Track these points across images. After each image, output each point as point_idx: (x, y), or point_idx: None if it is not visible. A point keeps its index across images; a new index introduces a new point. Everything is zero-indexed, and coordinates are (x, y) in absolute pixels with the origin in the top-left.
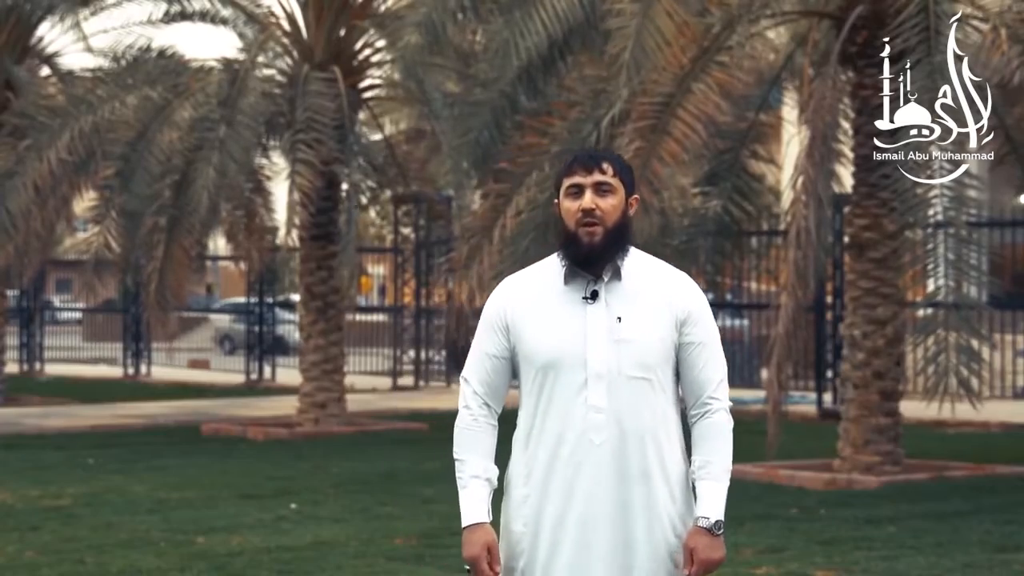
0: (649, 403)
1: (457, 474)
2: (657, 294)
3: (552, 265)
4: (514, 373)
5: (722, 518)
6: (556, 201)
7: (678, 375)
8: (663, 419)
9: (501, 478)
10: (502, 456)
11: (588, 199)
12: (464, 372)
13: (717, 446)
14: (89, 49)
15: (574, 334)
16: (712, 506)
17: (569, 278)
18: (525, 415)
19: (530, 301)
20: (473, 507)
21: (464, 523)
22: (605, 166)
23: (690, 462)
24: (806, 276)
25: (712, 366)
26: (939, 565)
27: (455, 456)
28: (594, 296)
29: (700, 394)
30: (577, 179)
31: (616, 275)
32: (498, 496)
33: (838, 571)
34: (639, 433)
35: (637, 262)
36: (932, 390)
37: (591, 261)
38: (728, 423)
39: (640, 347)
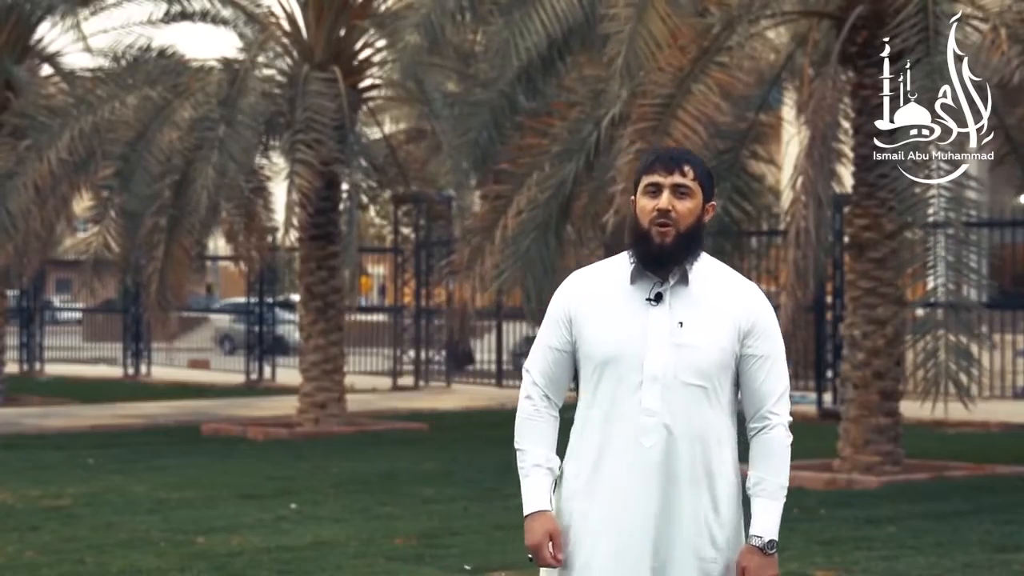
0: (702, 411)
1: (518, 463)
2: (722, 302)
3: (621, 263)
4: (575, 368)
5: (776, 537)
6: (632, 198)
7: (737, 385)
8: (715, 428)
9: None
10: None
11: (665, 199)
12: (527, 363)
13: (773, 463)
14: (88, 49)
15: (634, 334)
16: (766, 525)
17: (636, 277)
18: (581, 410)
19: (595, 297)
20: (535, 495)
21: (526, 511)
22: (686, 169)
23: (740, 474)
24: (806, 276)
25: (773, 380)
26: (939, 565)
27: (516, 446)
28: (658, 298)
29: (759, 407)
30: (656, 178)
31: (683, 279)
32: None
33: (838, 571)
34: (689, 440)
35: (706, 268)
36: (926, 390)
37: (660, 262)
38: (786, 439)
39: (699, 354)
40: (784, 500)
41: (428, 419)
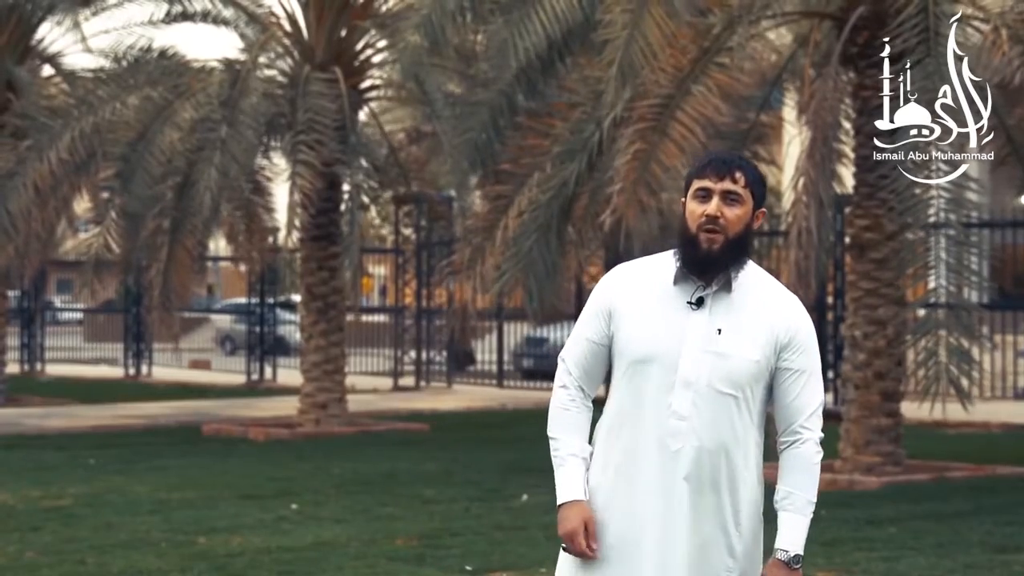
0: (732, 420)
1: (552, 453)
2: (762, 313)
3: (665, 262)
4: (610, 362)
5: (802, 552)
6: (683, 200)
7: (768, 396)
8: (743, 438)
9: None
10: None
11: (715, 205)
12: (563, 352)
13: (803, 478)
14: (88, 49)
15: (671, 336)
16: (792, 539)
17: (679, 279)
18: (611, 406)
19: (636, 294)
20: (570, 484)
21: (561, 500)
22: (738, 175)
23: (762, 486)
24: (807, 277)
25: (808, 395)
26: (940, 566)
27: (550, 435)
28: (699, 303)
29: (792, 422)
30: (707, 183)
31: (726, 286)
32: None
33: (838, 571)
34: (715, 447)
35: (751, 277)
36: (925, 390)
37: (705, 267)
38: (817, 455)
39: (734, 363)
40: (811, 516)
41: (429, 420)
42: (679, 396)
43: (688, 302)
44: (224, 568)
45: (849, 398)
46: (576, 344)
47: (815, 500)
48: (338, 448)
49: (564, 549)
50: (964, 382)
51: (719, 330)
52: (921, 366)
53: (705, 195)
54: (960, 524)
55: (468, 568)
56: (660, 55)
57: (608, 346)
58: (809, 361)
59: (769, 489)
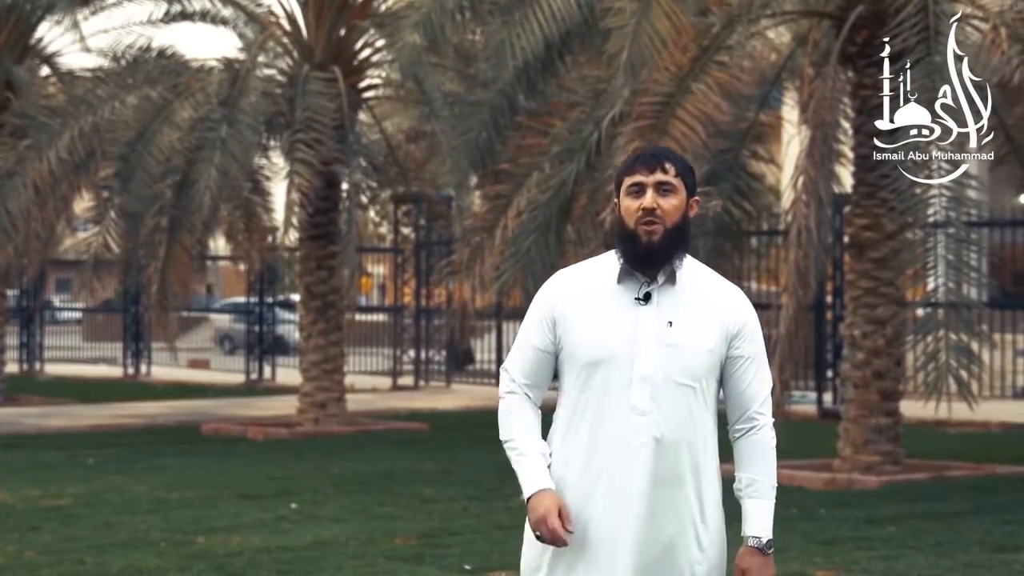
0: (691, 412)
1: (510, 453)
2: (710, 304)
3: (607, 263)
4: (556, 369)
5: (771, 536)
6: (616, 200)
7: (719, 387)
8: (702, 429)
9: None
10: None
11: (649, 198)
12: (506, 363)
13: (764, 464)
14: (87, 49)
15: (623, 334)
16: (762, 525)
17: (623, 277)
18: (563, 413)
19: (580, 297)
20: (534, 476)
21: (529, 492)
22: (668, 166)
23: (721, 476)
24: (807, 276)
25: (759, 381)
26: (939, 565)
27: (504, 439)
28: (647, 298)
29: (746, 409)
30: (639, 178)
31: (671, 279)
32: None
33: (838, 571)
34: (677, 440)
35: (693, 269)
36: (929, 390)
37: (648, 260)
38: (773, 440)
39: (689, 354)
40: (774, 500)
41: (428, 419)
42: (637, 391)
43: (636, 298)
44: (223, 567)
45: (848, 397)
46: (520, 352)
47: (776, 484)
48: (337, 447)
49: (538, 538)
50: (967, 378)
51: (670, 323)
52: (924, 366)
53: (638, 190)
54: (959, 523)
55: (467, 567)
56: (667, 48)
57: (553, 352)
58: (758, 348)
59: (727, 479)
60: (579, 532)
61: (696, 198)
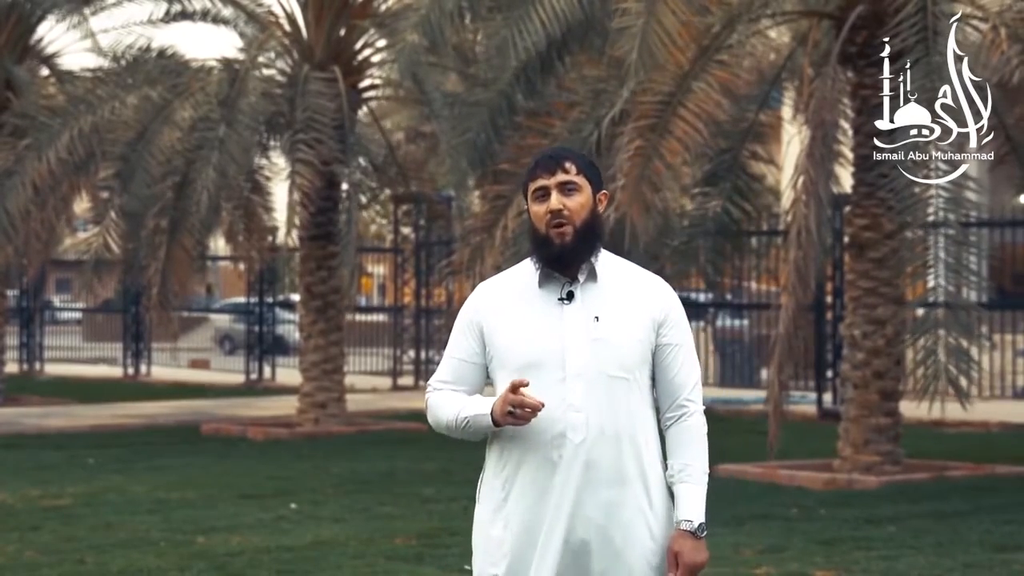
0: (628, 403)
1: (453, 419)
2: (634, 295)
3: (526, 268)
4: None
5: (704, 520)
6: (525, 207)
7: (652, 378)
8: (641, 420)
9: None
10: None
11: (555, 200)
12: (432, 378)
13: (695, 450)
14: (98, 46)
15: (551, 335)
16: (694, 509)
17: (544, 280)
18: None
19: (504, 305)
20: (480, 402)
21: (487, 412)
22: (568, 165)
23: (665, 465)
24: (806, 276)
25: (688, 368)
26: (939, 565)
27: (440, 420)
28: (570, 296)
29: (676, 396)
30: (541, 182)
31: (592, 275)
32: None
33: (838, 571)
34: (617, 433)
35: (611, 264)
36: (923, 390)
37: (564, 261)
38: (704, 426)
39: (619, 346)
40: (707, 485)
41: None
42: (572, 388)
43: (559, 298)
44: (223, 567)
45: (848, 397)
46: (447, 366)
47: (708, 470)
48: (337, 447)
49: (512, 415)
50: (963, 381)
51: (596, 317)
52: (920, 365)
53: (543, 194)
54: (959, 523)
55: (467, 567)
56: (675, 44)
57: (481, 363)
58: (684, 335)
59: None
60: (529, 535)
61: (604, 192)
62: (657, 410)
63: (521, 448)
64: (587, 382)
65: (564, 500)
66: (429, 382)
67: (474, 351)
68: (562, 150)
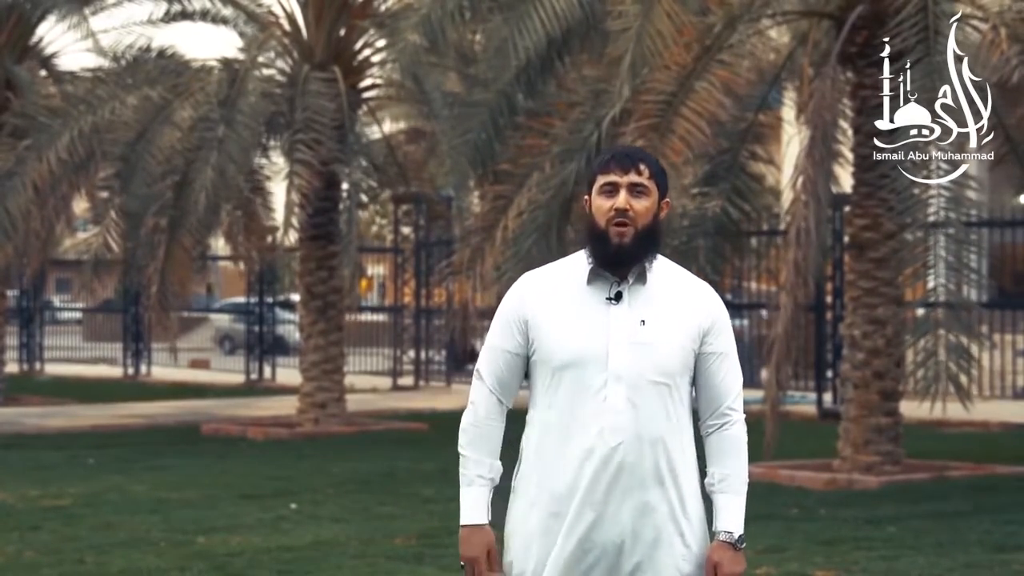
0: (667, 409)
1: (461, 470)
2: (681, 301)
3: (576, 263)
4: (526, 372)
5: (743, 532)
6: (587, 197)
7: (692, 384)
8: (678, 427)
9: (506, 475)
10: (508, 454)
11: (623, 199)
12: (478, 364)
13: (737, 460)
14: (99, 46)
15: (596, 335)
16: (734, 520)
17: (593, 278)
18: (537, 415)
19: (550, 299)
20: (475, 507)
21: (464, 521)
22: (642, 167)
23: (702, 472)
24: (805, 276)
25: (732, 377)
26: (939, 565)
27: (460, 451)
28: (618, 297)
29: (719, 404)
30: (613, 177)
31: (641, 278)
32: (507, 497)
33: (838, 571)
34: (654, 438)
35: (662, 268)
36: (924, 390)
37: (619, 261)
38: (745, 435)
39: (662, 352)
40: (746, 495)
41: (428, 419)
42: (613, 391)
43: (607, 298)
44: (223, 567)
45: (848, 397)
46: (491, 355)
47: (747, 480)
48: (337, 447)
49: (461, 567)
50: (964, 380)
51: (642, 321)
52: (920, 365)
53: (612, 189)
54: (959, 523)
55: (462, 565)
56: (671, 46)
57: (524, 356)
58: (729, 344)
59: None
60: (562, 534)
61: (667, 200)
62: (695, 416)
63: (558, 447)
64: (628, 385)
65: (597, 501)
66: (476, 368)
67: (518, 342)
68: (638, 151)
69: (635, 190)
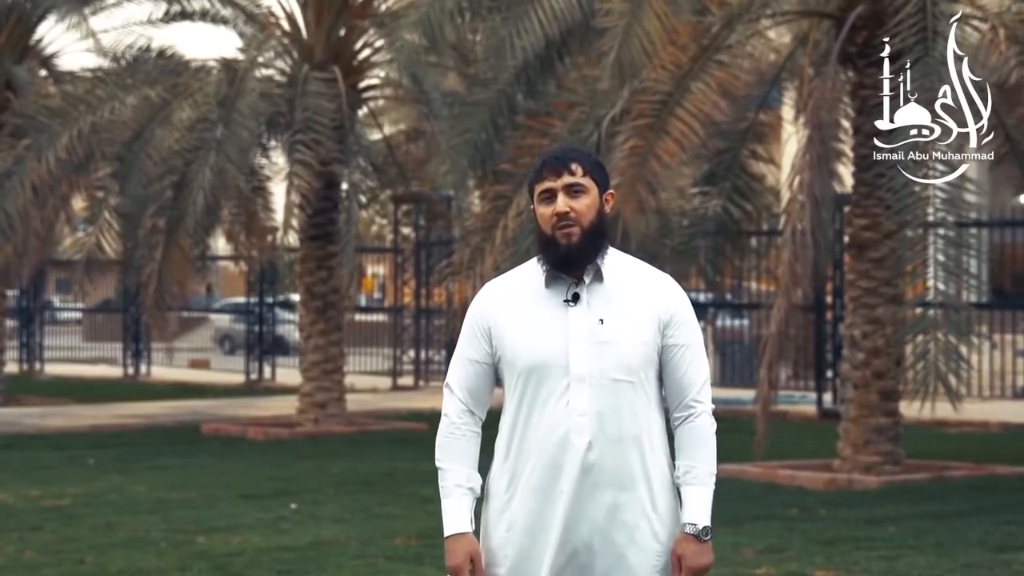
0: (632, 406)
1: (440, 483)
2: (640, 295)
3: (533, 269)
4: (498, 379)
5: (709, 524)
6: (532, 208)
7: (660, 379)
8: (646, 423)
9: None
10: (485, 463)
11: (561, 202)
12: (447, 378)
13: (703, 452)
14: (99, 46)
15: (556, 337)
16: (699, 512)
17: (550, 281)
18: (507, 420)
19: (511, 305)
20: (456, 516)
21: (447, 532)
22: (574, 167)
23: (674, 466)
24: (800, 276)
25: (696, 368)
26: (939, 565)
27: (437, 465)
28: (575, 298)
29: (684, 396)
30: (548, 184)
31: (597, 277)
32: (479, 502)
33: (838, 571)
34: (621, 437)
35: (618, 263)
36: (916, 389)
37: (570, 262)
38: (712, 426)
39: (623, 349)
40: (713, 487)
41: (428, 419)
42: (576, 392)
43: (564, 300)
44: (223, 567)
45: (848, 397)
46: (459, 367)
47: (715, 472)
48: (337, 447)
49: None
50: (953, 381)
51: (601, 320)
52: (913, 365)
53: (549, 196)
54: (959, 523)
55: None
56: (660, 49)
57: (492, 364)
58: (692, 335)
59: None
60: (532, 537)
61: (611, 191)
62: (666, 410)
63: (526, 450)
64: (591, 386)
65: (567, 502)
66: (447, 382)
67: (485, 351)
68: (568, 151)
69: (572, 191)
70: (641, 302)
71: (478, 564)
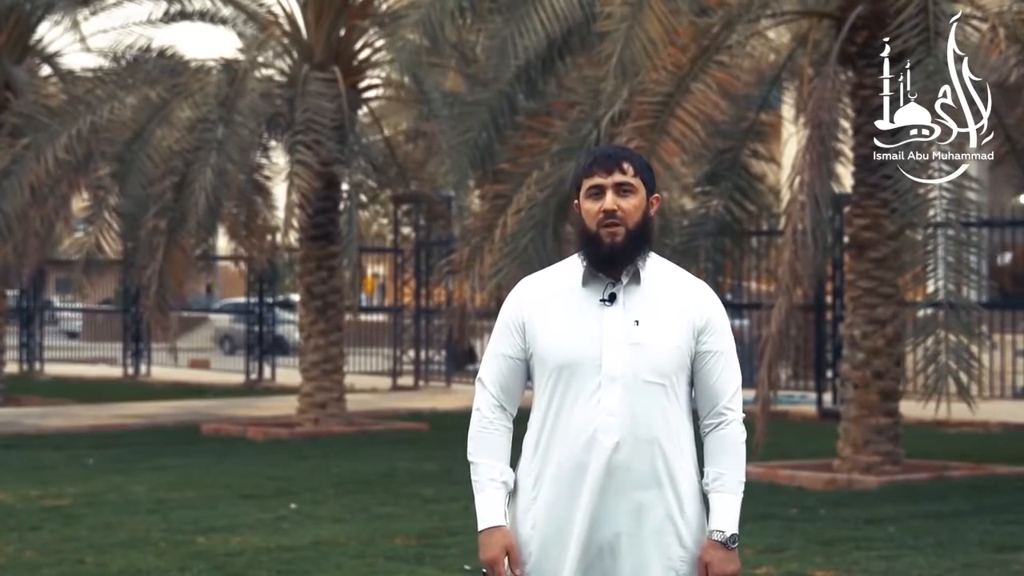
0: (662, 409)
1: (472, 477)
2: (676, 300)
3: (571, 266)
4: (529, 375)
5: (736, 531)
6: (576, 202)
7: (691, 384)
8: (675, 427)
9: None
10: (515, 460)
11: (610, 200)
12: (480, 373)
13: (732, 459)
14: (87, 48)
15: (590, 336)
16: (727, 519)
17: (588, 279)
18: (537, 417)
19: (547, 302)
20: (490, 510)
21: (481, 526)
22: (626, 166)
23: (701, 472)
24: (800, 276)
25: (728, 376)
26: (939, 565)
27: (470, 459)
28: (612, 298)
29: (715, 403)
30: (597, 180)
31: (635, 278)
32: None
33: (838, 571)
34: (650, 439)
35: (657, 267)
36: (928, 391)
37: (612, 262)
38: (742, 434)
39: (656, 352)
40: (742, 495)
41: (428, 419)
42: (607, 392)
43: (601, 299)
44: (223, 567)
45: (848, 397)
46: (492, 361)
47: (744, 480)
48: (337, 447)
49: (484, 574)
50: (965, 380)
51: (636, 321)
52: (924, 368)
53: (598, 192)
54: (959, 523)
55: (467, 567)
56: (660, 50)
57: (525, 360)
58: (726, 342)
59: None
60: (556, 535)
61: (656, 195)
62: (695, 416)
63: (553, 448)
64: (622, 386)
65: (592, 502)
66: (479, 376)
67: (518, 346)
68: (620, 149)
69: (621, 189)
70: (677, 307)
71: (513, 557)
